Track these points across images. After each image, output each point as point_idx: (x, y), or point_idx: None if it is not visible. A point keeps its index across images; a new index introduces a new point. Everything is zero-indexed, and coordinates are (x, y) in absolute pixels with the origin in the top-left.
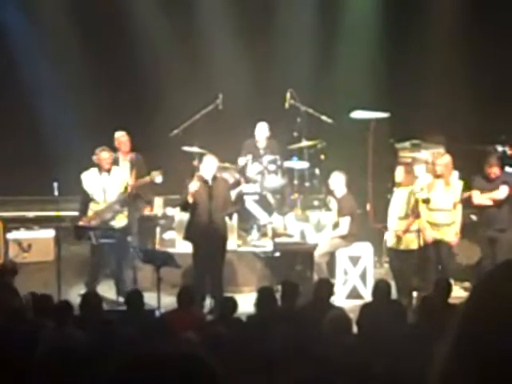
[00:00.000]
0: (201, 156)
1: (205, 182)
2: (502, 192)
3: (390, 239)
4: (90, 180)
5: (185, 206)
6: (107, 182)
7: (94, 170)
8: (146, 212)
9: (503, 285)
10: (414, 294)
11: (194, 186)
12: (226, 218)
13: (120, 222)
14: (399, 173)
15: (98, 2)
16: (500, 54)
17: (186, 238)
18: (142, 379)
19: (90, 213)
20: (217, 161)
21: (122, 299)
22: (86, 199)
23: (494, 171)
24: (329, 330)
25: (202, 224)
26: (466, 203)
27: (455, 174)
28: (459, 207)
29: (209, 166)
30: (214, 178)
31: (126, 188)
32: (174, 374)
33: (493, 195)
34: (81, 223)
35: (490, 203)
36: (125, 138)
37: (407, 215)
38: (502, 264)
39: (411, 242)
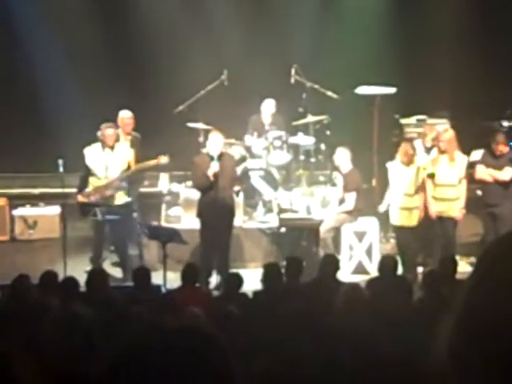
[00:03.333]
0: (206, 132)
1: (211, 158)
2: (507, 174)
3: (395, 216)
4: (93, 155)
5: (204, 187)
6: (110, 158)
7: (97, 146)
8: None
9: (505, 258)
10: (419, 269)
11: (214, 167)
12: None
13: (120, 199)
14: (402, 149)
15: None
16: (509, 27)
17: (198, 215)
18: (154, 354)
19: (90, 188)
20: (222, 137)
21: (127, 275)
22: (87, 174)
23: (501, 149)
24: (342, 303)
25: (209, 201)
26: (470, 180)
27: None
28: (464, 182)
29: (215, 142)
30: (221, 154)
31: (128, 165)
32: (184, 350)
33: (497, 175)
34: (79, 198)
35: (491, 180)
36: (129, 120)
37: (416, 191)
38: (503, 237)
39: (417, 218)
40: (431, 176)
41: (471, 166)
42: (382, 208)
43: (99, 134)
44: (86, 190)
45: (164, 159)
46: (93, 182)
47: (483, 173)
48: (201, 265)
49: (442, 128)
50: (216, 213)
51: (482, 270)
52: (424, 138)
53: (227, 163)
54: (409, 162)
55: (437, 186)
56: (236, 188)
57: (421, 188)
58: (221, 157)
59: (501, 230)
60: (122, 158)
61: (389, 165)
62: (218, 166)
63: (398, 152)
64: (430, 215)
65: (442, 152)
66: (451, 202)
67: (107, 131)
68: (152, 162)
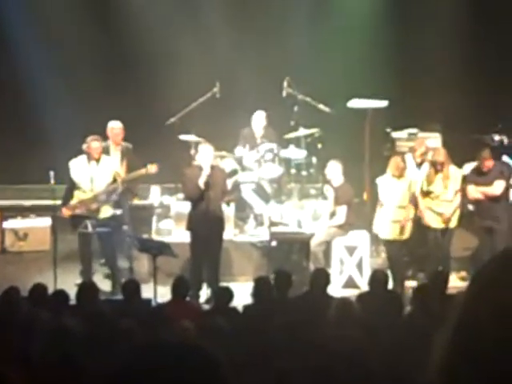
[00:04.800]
0: (197, 144)
1: (202, 170)
2: (497, 188)
3: (386, 230)
4: (78, 168)
5: (196, 197)
6: (95, 171)
7: (82, 158)
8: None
9: (502, 275)
10: (409, 283)
11: (205, 176)
12: (224, 206)
13: (106, 212)
14: (394, 163)
15: None
16: (499, 42)
17: (189, 228)
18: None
19: (75, 201)
20: (213, 149)
21: (117, 289)
22: (72, 187)
23: (487, 164)
24: (333, 317)
25: (199, 213)
26: (464, 193)
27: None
28: (459, 195)
29: (205, 155)
30: (211, 167)
31: (114, 178)
32: (180, 365)
33: (487, 191)
34: (64, 211)
35: (483, 197)
36: (118, 130)
37: (409, 204)
38: (500, 254)
39: (408, 232)
40: (427, 193)
41: (464, 179)
42: (375, 227)
43: (85, 146)
44: (70, 202)
45: (153, 168)
46: (78, 195)
47: (474, 192)
48: (191, 278)
49: (434, 143)
50: (206, 225)
51: (477, 289)
52: (414, 153)
53: (218, 176)
54: (400, 175)
55: (433, 199)
56: (226, 199)
57: (412, 201)
58: (212, 169)
59: (498, 244)
60: (107, 171)
61: (378, 180)
62: (208, 175)
63: (388, 166)
64: (424, 225)
65: (436, 171)
66: (448, 216)
67: (93, 144)
68: (141, 172)
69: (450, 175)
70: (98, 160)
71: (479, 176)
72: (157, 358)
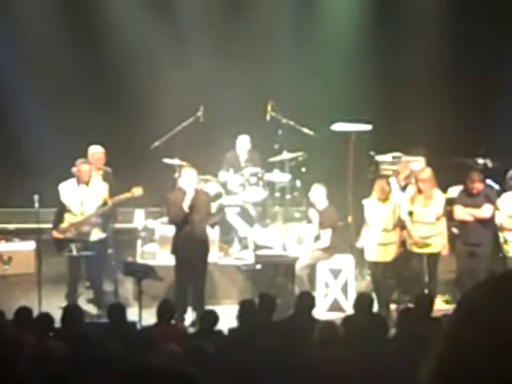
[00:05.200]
0: (181, 168)
1: (185, 194)
2: (486, 211)
3: (372, 252)
4: (68, 191)
5: (180, 220)
6: (85, 194)
7: (72, 182)
8: (121, 224)
9: (489, 301)
10: (393, 306)
11: (188, 200)
12: (208, 229)
13: (95, 235)
14: (379, 186)
15: (80, 17)
16: (483, 64)
17: (173, 251)
18: None
19: (65, 224)
20: (196, 173)
21: (102, 312)
22: (62, 210)
23: (477, 186)
24: (317, 340)
25: (183, 237)
26: (449, 216)
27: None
28: (443, 220)
29: (188, 178)
30: (195, 190)
31: (104, 201)
32: None
33: (476, 213)
34: (55, 234)
35: (471, 219)
36: (99, 154)
37: (394, 227)
38: (486, 280)
39: (393, 254)
40: (410, 214)
41: (450, 202)
42: (359, 243)
43: (74, 169)
44: (61, 226)
45: (138, 190)
46: (68, 218)
47: (462, 213)
48: (176, 301)
49: (418, 166)
50: (191, 248)
51: (463, 315)
52: (397, 176)
53: (202, 199)
54: (385, 198)
55: (414, 223)
56: (210, 221)
57: (398, 224)
58: (196, 193)
59: (479, 268)
60: (97, 194)
61: (365, 202)
62: (192, 199)
63: (373, 189)
64: (410, 249)
65: (419, 191)
66: (427, 239)
67: (82, 167)
68: (127, 195)
69: (434, 197)
70: (87, 183)
71: (468, 198)
72: (141, 382)
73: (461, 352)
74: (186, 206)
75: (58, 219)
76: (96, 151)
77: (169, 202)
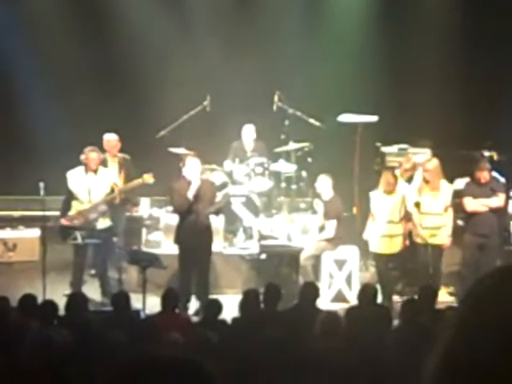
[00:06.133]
0: (187, 157)
1: (189, 184)
2: (499, 200)
3: (376, 244)
4: (76, 179)
5: (184, 209)
6: (93, 182)
7: (80, 169)
8: (133, 213)
9: (496, 293)
10: (396, 298)
11: (193, 189)
12: (213, 219)
13: (104, 223)
14: (384, 179)
15: (88, 7)
16: (491, 57)
17: (177, 241)
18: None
19: (73, 212)
20: (200, 163)
21: (107, 300)
22: (70, 198)
23: (485, 176)
24: (319, 331)
25: (188, 226)
26: (459, 209)
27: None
28: (450, 211)
29: (192, 168)
30: (201, 180)
31: (112, 189)
32: (172, 378)
33: (489, 202)
34: (63, 222)
35: (485, 209)
36: (114, 142)
37: (401, 219)
38: (493, 272)
39: (398, 246)
40: (417, 205)
41: (456, 194)
42: (365, 235)
43: (83, 157)
44: (69, 213)
45: (149, 178)
46: (76, 206)
47: (474, 204)
48: (180, 290)
49: (423, 158)
50: (195, 237)
51: (470, 306)
52: (400, 168)
53: (207, 188)
54: (391, 190)
55: (422, 214)
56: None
57: (405, 216)
58: (201, 182)
59: (488, 259)
60: (105, 182)
61: (371, 194)
62: (197, 188)
63: (380, 181)
64: (416, 241)
65: (427, 182)
66: (436, 230)
67: (91, 155)
68: (137, 182)
69: (441, 188)
70: (95, 171)
71: (477, 188)
72: (147, 372)
73: (467, 344)
74: (190, 195)
75: (66, 207)
76: (111, 139)
77: (173, 191)
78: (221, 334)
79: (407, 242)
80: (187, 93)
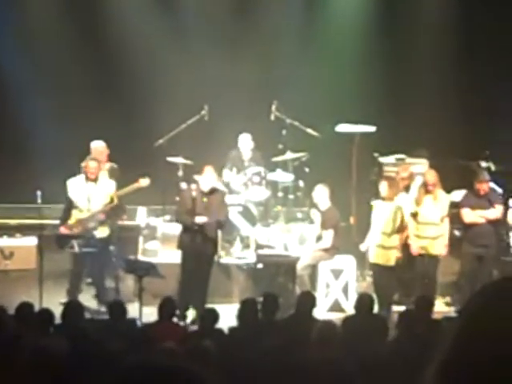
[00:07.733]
0: (185, 167)
1: (202, 193)
2: (497, 211)
3: (373, 254)
4: (76, 187)
5: (187, 227)
6: (93, 190)
7: (80, 178)
8: (125, 221)
9: (494, 306)
10: (394, 308)
11: (202, 219)
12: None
13: (103, 231)
14: (383, 187)
15: (84, 13)
16: (489, 68)
17: (179, 247)
18: None
19: (72, 220)
20: (215, 173)
21: (103, 308)
22: (69, 206)
23: (484, 188)
24: (316, 340)
25: (192, 233)
26: (456, 220)
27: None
28: (446, 221)
29: (208, 177)
30: (212, 189)
31: (111, 199)
32: None
33: (487, 214)
34: (62, 230)
35: (483, 221)
36: (101, 148)
37: (393, 231)
38: (493, 283)
39: (395, 257)
40: (414, 215)
41: (453, 205)
42: (363, 247)
43: (83, 164)
44: (68, 222)
45: (145, 181)
46: (75, 214)
47: (472, 216)
48: (179, 298)
49: (420, 169)
50: (198, 246)
51: (471, 316)
52: (425, 184)
53: (217, 199)
54: (391, 196)
55: (419, 223)
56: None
57: (399, 228)
58: (211, 192)
59: (484, 271)
60: (105, 191)
61: (374, 202)
62: (207, 199)
63: (379, 190)
64: (412, 253)
65: (427, 192)
66: (433, 240)
67: (90, 164)
68: (133, 186)
69: (439, 198)
70: (95, 180)
71: (475, 199)
72: (142, 380)
73: (465, 356)
74: (198, 220)
75: (66, 215)
76: (97, 145)
77: (178, 203)
78: (218, 343)
79: (400, 255)
80: (185, 102)
